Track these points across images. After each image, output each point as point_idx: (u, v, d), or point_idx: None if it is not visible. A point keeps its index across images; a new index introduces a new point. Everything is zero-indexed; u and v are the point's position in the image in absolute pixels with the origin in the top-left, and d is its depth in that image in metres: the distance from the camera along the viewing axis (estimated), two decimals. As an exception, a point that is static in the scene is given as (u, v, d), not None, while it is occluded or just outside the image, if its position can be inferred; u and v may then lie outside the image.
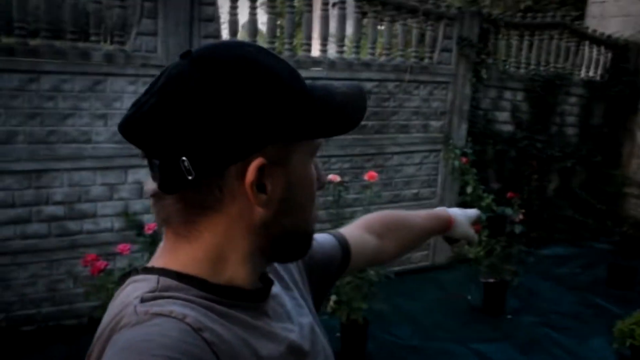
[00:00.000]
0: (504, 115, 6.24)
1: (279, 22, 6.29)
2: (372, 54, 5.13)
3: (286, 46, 4.63)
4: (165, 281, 0.70)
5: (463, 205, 5.34)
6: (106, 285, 3.11)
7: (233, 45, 0.73)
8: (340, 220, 4.27)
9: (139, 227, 4.08)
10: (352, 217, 4.83)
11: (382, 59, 5.10)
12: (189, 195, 0.70)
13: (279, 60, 0.74)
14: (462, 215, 1.40)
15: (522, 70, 6.27)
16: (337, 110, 0.76)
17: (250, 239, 0.73)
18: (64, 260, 3.97)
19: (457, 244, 1.42)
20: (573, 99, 6.70)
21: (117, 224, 4.11)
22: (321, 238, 1.06)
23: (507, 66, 6.25)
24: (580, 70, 6.83)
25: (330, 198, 4.26)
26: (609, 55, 6.90)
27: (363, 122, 5.00)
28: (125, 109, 3.91)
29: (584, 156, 6.87)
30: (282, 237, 0.75)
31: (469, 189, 5.20)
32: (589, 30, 6.66)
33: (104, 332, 0.67)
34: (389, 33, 5.12)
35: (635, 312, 4.17)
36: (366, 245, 1.16)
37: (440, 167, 5.72)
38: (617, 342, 4.14)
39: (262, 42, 5.01)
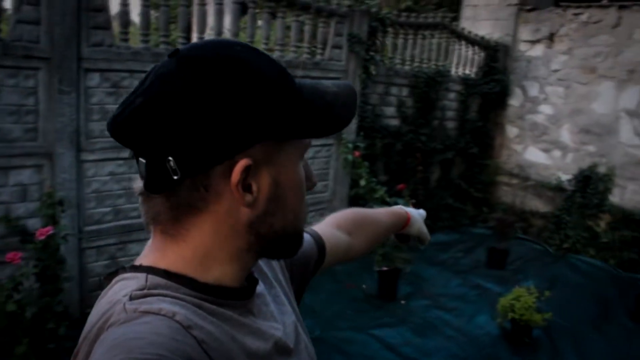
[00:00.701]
0: (390, 110, 6.52)
1: (156, 15, 6.02)
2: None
3: (162, 39, 4.45)
4: (154, 279, 0.70)
5: (357, 197, 5.55)
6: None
7: (221, 45, 0.73)
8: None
9: (23, 233, 3.80)
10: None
11: (275, 55, 5.12)
12: (175, 194, 0.69)
13: (268, 59, 0.73)
14: (417, 213, 1.44)
15: (406, 67, 6.58)
16: (325, 110, 0.76)
17: (238, 238, 0.73)
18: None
19: (408, 243, 1.44)
20: (452, 95, 7.15)
21: (-2, 230, 3.79)
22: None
23: (394, 63, 6.54)
24: (457, 67, 7.30)
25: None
26: (482, 54, 7.44)
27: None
28: (4, 104, 3.63)
29: (462, 148, 7.37)
30: (271, 236, 0.75)
31: (362, 182, 5.38)
32: (465, 31, 7.14)
33: (92, 330, 0.66)
34: (282, 29, 5.15)
35: (514, 288, 4.58)
36: (339, 242, 1.18)
37: (332, 161, 5.86)
38: (500, 317, 4.52)
39: (136, 34, 4.71)
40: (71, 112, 3.90)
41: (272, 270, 0.93)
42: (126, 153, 4.22)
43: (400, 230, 1.39)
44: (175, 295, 0.68)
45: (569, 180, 6.90)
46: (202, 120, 0.66)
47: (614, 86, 6.46)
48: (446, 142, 7.15)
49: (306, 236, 1.08)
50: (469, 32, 7.18)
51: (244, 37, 5.63)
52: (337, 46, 5.58)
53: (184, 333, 0.63)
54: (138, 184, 0.73)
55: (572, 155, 6.97)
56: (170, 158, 0.66)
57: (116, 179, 4.24)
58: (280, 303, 0.88)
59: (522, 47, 7.42)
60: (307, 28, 5.34)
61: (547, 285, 5.42)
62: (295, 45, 5.26)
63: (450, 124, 7.29)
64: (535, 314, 4.32)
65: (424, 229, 1.43)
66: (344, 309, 4.81)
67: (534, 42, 7.28)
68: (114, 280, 0.73)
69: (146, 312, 0.63)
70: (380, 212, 1.38)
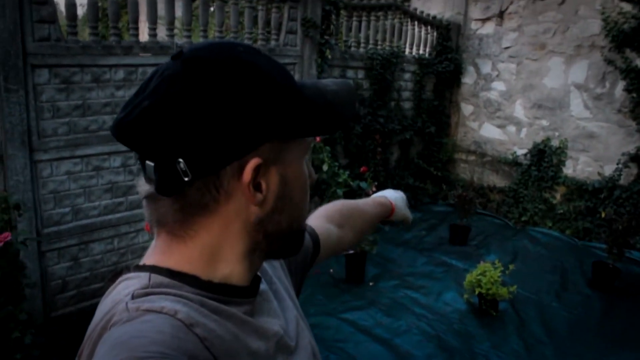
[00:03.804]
0: (348, 94, 6.49)
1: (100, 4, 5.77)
2: (205, 37, 4.95)
3: (112, 30, 4.27)
4: (157, 278, 0.70)
5: (320, 183, 5.54)
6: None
7: (224, 46, 0.73)
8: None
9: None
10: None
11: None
12: (185, 195, 0.69)
13: (270, 60, 0.74)
14: (400, 199, 1.47)
15: (361, 50, 6.57)
16: (327, 109, 0.77)
17: (246, 237, 0.74)
18: None
19: (391, 225, 1.49)
20: (407, 75, 7.20)
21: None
22: None
23: (349, 46, 6.52)
24: (412, 48, 7.34)
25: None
26: (435, 34, 7.50)
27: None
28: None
29: (419, 128, 7.44)
30: (278, 234, 0.76)
31: (325, 167, 5.37)
32: (417, 12, 7.17)
33: (95, 330, 0.66)
34: (235, 15, 5.05)
35: (479, 264, 4.69)
36: (330, 235, 1.20)
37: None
38: (467, 293, 4.62)
39: (84, 26, 4.46)
40: (20, 111, 3.74)
41: (272, 266, 0.94)
42: (82, 151, 4.09)
43: (387, 217, 1.43)
44: (178, 294, 0.68)
45: (524, 155, 7.07)
46: (212, 121, 0.66)
47: (563, 61, 6.63)
48: (404, 122, 7.21)
49: None
50: (421, 12, 7.22)
51: (196, 25, 5.49)
52: (291, 31, 5.52)
53: (186, 331, 0.63)
54: (142, 187, 0.73)
55: (526, 130, 7.13)
56: (180, 160, 0.66)
57: (73, 177, 4.10)
58: (281, 299, 0.88)
59: (473, 25, 7.52)
60: (260, 14, 5.26)
61: (509, 259, 5.59)
62: (249, 31, 5.17)
63: (407, 105, 7.34)
64: (501, 287, 4.43)
65: (408, 213, 1.48)
66: (314, 295, 4.82)
67: (484, 20, 7.38)
68: (117, 280, 0.74)
69: (148, 311, 0.64)
70: (367, 203, 1.40)
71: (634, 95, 6.02)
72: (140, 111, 0.67)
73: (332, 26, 6.00)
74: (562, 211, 6.57)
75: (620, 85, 6.17)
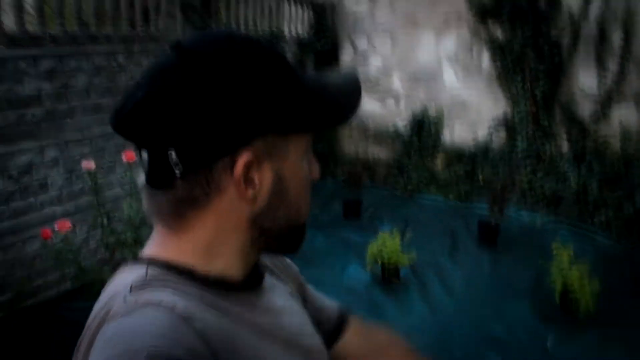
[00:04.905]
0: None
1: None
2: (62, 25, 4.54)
3: None
4: (155, 270, 0.69)
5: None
6: None
7: (222, 36, 0.73)
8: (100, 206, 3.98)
9: None
10: (113, 201, 4.52)
11: (108, 30, 4.73)
12: (178, 188, 0.68)
13: (270, 51, 0.73)
14: None
15: (242, 32, 6.47)
16: (330, 102, 0.76)
17: (241, 232, 0.73)
18: None
19: None
20: (289, 55, 7.21)
21: None
22: (328, 302, 1.02)
23: (229, 28, 6.39)
24: (290, 28, 7.36)
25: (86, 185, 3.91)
26: (310, 13, 7.58)
27: (97, 100, 4.67)
28: None
29: (303, 107, 7.51)
30: (275, 230, 0.75)
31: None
32: (293, -9, 7.20)
33: (93, 322, 0.66)
34: (112, 1, 4.75)
35: (378, 235, 4.88)
36: (349, 350, 1.02)
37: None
38: (370, 264, 4.81)
39: None
40: None
41: (277, 267, 0.92)
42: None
43: None
44: (176, 287, 0.68)
45: (405, 126, 7.41)
46: (203, 114, 0.65)
47: (433, 35, 7.00)
48: (288, 103, 7.23)
49: (334, 308, 1.01)
50: (297, -8, 7.26)
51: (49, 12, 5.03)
52: (171, 16, 5.31)
53: (184, 324, 0.62)
54: (143, 178, 0.72)
55: (404, 102, 7.48)
56: (172, 152, 0.65)
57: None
58: (286, 295, 0.86)
59: (348, 2, 7.68)
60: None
61: (402, 227, 5.86)
62: (130, 17, 4.90)
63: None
64: (402, 255, 4.66)
65: None
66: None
67: (358, -3, 7.57)
68: (116, 272, 0.74)
69: (146, 304, 0.63)
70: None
71: (498, 64, 6.52)
72: (135, 102, 0.66)
73: (212, 9, 5.85)
74: (443, 177, 7.01)
75: (486, 55, 6.65)
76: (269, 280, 0.83)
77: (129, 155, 3.78)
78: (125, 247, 3.76)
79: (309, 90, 0.74)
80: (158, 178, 0.68)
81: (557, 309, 4.25)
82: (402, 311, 4.35)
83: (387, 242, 4.71)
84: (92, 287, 3.74)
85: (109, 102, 4.76)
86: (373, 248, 4.76)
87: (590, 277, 4.13)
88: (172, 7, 5.31)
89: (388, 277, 4.76)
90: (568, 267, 4.21)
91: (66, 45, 4.38)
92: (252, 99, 0.67)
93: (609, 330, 3.96)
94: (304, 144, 0.76)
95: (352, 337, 1.01)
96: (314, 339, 0.86)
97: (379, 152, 7.81)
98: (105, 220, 3.96)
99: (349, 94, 0.79)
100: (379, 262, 4.71)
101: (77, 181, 4.54)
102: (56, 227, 3.56)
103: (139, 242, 3.76)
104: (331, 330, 0.98)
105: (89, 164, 3.70)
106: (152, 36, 5.10)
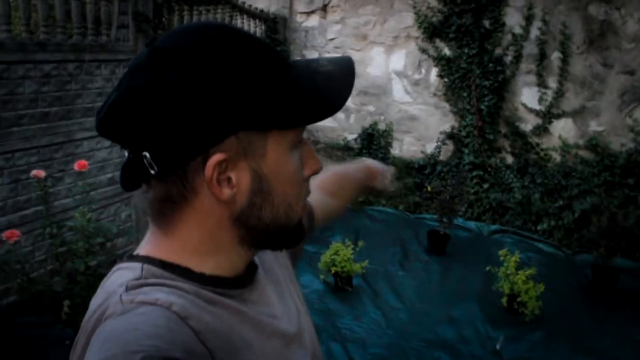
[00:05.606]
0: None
1: None
2: (30, 32, 4.50)
3: None
4: (150, 269, 0.69)
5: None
6: None
7: (192, 31, 0.70)
8: (49, 216, 3.90)
9: None
10: (62, 212, 4.42)
11: (58, 37, 4.65)
12: (155, 189, 0.69)
13: (247, 41, 0.70)
14: (387, 168, 1.45)
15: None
16: (313, 95, 0.71)
17: (226, 231, 0.72)
18: None
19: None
20: (241, 69, 7.24)
21: None
22: None
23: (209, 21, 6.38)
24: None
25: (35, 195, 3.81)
26: (263, 27, 7.64)
27: (45, 109, 4.57)
28: None
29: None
30: (261, 228, 0.73)
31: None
32: (245, 5, 7.25)
33: (89, 321, 0.65)
34: (62, 9, 4.68)
35: (331, 245, 4.94)
36: (324, 206, 1.20)
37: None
38: (322, 273, 4.86)
39: None
40: None
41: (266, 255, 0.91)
42: None
43: (372, 183, 1.40)
44: (172, 285, 0.67)
45: (355, 139, 7.54)
46: (170, 114, 0.64)
47: (383, 51, 7.19)
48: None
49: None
50: (249, 6, 7.31)
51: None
52: (123, 26, 5.26)
53: (180, 324, 0.62)
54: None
55: (354, 116, 7.61)
56: (145, 153, 0.65)
57: None
58: (279, 284, 0.87)
59: (299, 18, 7.79)
60: (89, 7, 4.93)
61: (353, 237, 5.95)
62: (81, 26, 4.83)
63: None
64: (354, 264, 4.74)
65: (390, 183, 1.43)
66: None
67: (309, 13, 7.69)
68: (111, 270, 0.72)
69: (142, 303, 0.63)
70: (357, 170, 1.39)
71: (445, 80, 6.76)
72: (109, 105, 0.66)
73: (164, 20, 5.83)
74: (393, 189, 7.13)
75: (434, 71, 6.88)
76: (261, 272, 0.82)
77: (80, 164, 3.73)
78: (76, 257, 3.68)
79: (288, 81, 0.70)
80: (134, 178, 0.68)
81: (505, 312, 4.43)
82: (356, 318, 4.41)
83: (339, 251, 4.77)
84: (40, 299, 3.64)
85: (58, 111, 4.67)
86: (326, 257, 4.82)
87: (535, 281, 4.33)
88: (125, 17, 5.26)
89: (341, 285, 4.81)
90: (514, 273, 4.40)
91: (13, 52, 4.28)
92: (220, 98, 0.65)
93: (553, 330, 4.16)
94: (289, 139, 0.72)
95: (319, 213, 1.14)
96: (304, 319, 0.88)
97: (329, 165, 7.88)
98: (54, 230, 3.87)
99: (337, 84, 0.74)
100: (332, 271, 4.77)
101: (23, 191, 4.41)
102: (3, 237, 3.46)
103: (91, 252, 3.70)
104: (309, 220, 1.06)
105: (38, 172, 3.62)
106: (103, 45, 5.04)
